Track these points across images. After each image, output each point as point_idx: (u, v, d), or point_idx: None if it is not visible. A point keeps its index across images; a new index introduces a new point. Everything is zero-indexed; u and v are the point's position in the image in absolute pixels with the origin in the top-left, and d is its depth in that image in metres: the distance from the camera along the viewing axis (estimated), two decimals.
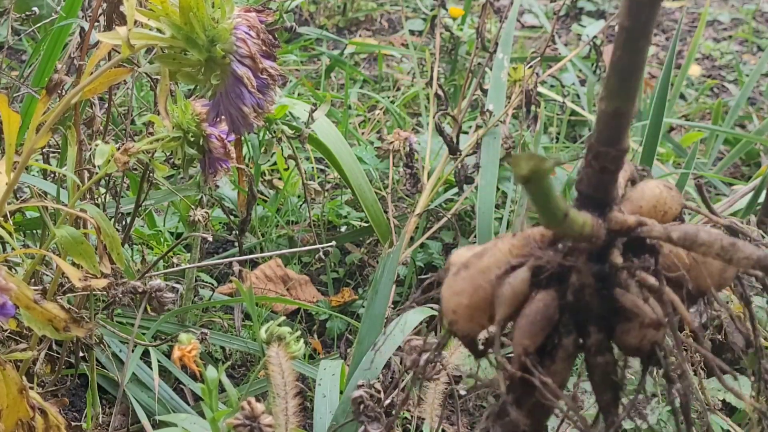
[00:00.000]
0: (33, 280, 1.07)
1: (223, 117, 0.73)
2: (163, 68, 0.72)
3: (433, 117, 1.58)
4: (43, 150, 1.23)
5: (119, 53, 0.71)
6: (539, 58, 1.60)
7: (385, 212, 1.55)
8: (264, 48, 0.71)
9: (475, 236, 1.48)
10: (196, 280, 1.39)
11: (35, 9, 1.35)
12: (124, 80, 1.29)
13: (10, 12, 1.29)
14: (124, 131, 1.28)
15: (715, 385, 1.17)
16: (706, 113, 2.39)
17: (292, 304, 1.50)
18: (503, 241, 0.50)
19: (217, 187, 1.59)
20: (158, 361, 1.15)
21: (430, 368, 0.58)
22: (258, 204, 1.64)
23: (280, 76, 0.72)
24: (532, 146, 1.69)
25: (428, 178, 1.57)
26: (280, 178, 1.83)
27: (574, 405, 0.46)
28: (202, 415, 0.92)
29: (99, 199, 1.22)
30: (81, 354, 1.20)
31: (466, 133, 1.74)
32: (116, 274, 0.95)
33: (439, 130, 1.53)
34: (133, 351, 1.15)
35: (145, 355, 1.21)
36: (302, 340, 0.85)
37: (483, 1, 1.64)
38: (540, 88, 1.77)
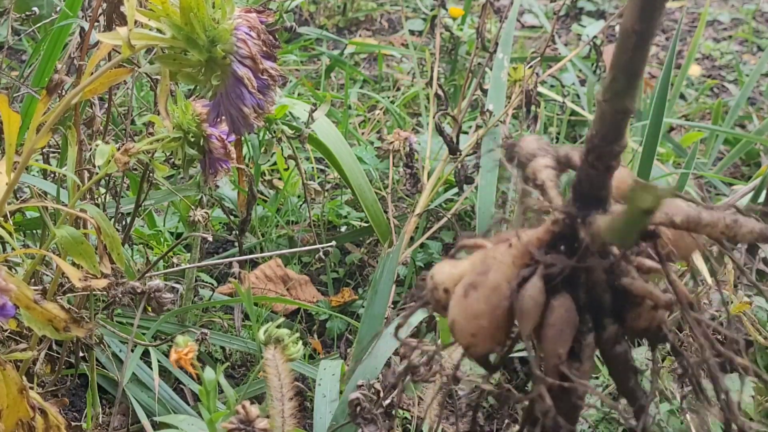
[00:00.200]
0: (33, 280, 1.07)
1: (223, 117, 0.73)
2: (164, 68, 0.72)
3: (433, 117, 1.58)
4: (43, 150, 1.23)
5: (119, 53, 0.71)
6: (539, 58, 1.60)
7: (385, 212, 1.55)
8: (264, 48, 0.71)
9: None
10: (196, 280, 1.39)
11: (35, 9, 1.35)
12: (125, 80, 1.29)
13: (10, 12, 1.29)
14: (124, 131, 1.28)
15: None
16: (706, 113, 2.39)
17: (292, 304, 1.50)
18: (500, 253, 0.49)
19: (217, 187, 1.59)
20: (158, 361, 1.15)
21: (426, 371, 0.58)
22: (258, 204, 1.64)
23: (280, 76, 0.72)
24: None
25: (428, 178, 1.57)
26: (280, 178, 1.83)
27: (612, 401, 0.48)
28: (202, 415, 0.92)
29: (99, 199, 1.22)
30: (81, 354, 1.20)
31: (466, 133, 1.74)
32: (116, 274, 0.95)
33: (439, 130, 1.53)
34: (132, 351, 1.15)
35: (146, 355, 1.21)
36: (301, 342, 0.85)
37: (483, 1, 1.64)
38: (540, 88, 1.77)
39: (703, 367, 0.50)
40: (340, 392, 1.09)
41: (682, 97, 2.47)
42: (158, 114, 0.80)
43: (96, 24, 1.04)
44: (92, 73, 0.75)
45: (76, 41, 1.13)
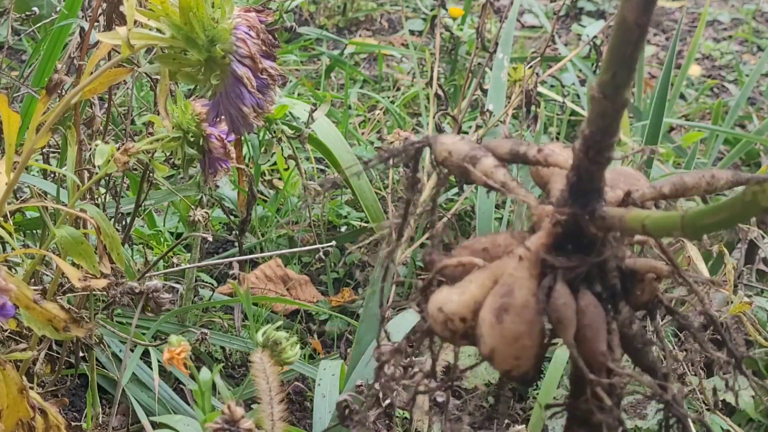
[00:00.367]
0: (33, 280, 1.07)
1: (222, 117, 0.73)
2: (163, 68, 0.72)
3: (433, 117, 1.58)
4: (43, 150, 1.23)
5: (119, 53, 0.71)
6: (539, 58, 1.60)
7: (385, 212, 1.55)
8: (264, 48, 0.71)
9: (475, 236, 1.48)
10: (196, 280, 1.39)
11: (35, 9, 1.35)
12: (124, 80, 1.29)
13: (10, 12, 1.29)
14: (124, 131, 1.28)
15: (715, 384, 1.17)
16: (706, 113, 2.39)
17: (292, 304, 1.50)
18: (513, 269, 0.48)
19: (217, 187, 1.59)
20: (158, 361, 1.15)
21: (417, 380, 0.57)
22: (258, 204, 1.64)
23: (280, 76, 0.72)
24: None
25: (428, 178, 1.57)
26: (280, 178, 1.83)
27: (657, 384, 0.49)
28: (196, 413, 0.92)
29: (99, 199, 1.22)
30: (81, 354, 1.20)
31: (466, 133, 1.74)
32: (116, 274, 0.95)
33: (439, 130, 1.53)
34: (132, 351, 1.15)
35: (145, 355, 1.21)
36: (298, 346, 0.85)
37: (483, 1, 1.64)
38: (540, 88, 1.77)
39: (694, 331, 0.52)
40: (340, 392, 1.09)
41: (682, 97, 2.47)
42: (158, 114, 0.80)
43: (96, 24, 1.04)
44: (92, 73, 0.75)
45: (76, 41, 1.13)
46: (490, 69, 1.62)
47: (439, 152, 0.53)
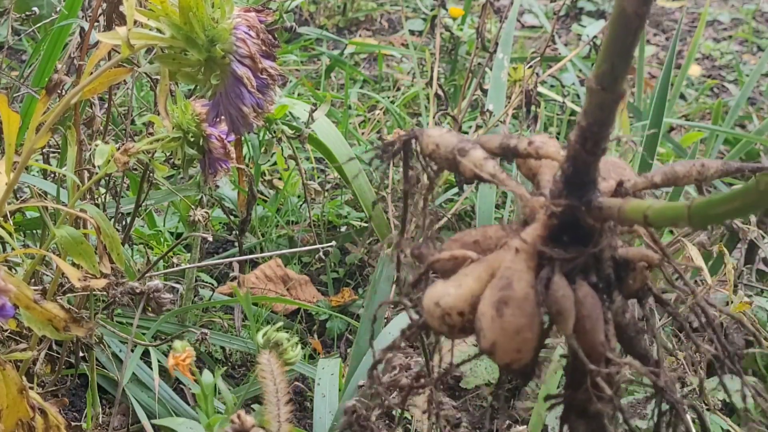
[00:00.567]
0: (33, 280, 1.07)
1: (222, 117, 0.73)
2: (163, 68, 0.72)
3: (433, 117, 1.58)
4: (43, 150, 1.23)
5: (119, 53, 0.71)
6: (539, 58, 1.60)
7: (385, 212, 1.55)
8: (264, 48, 0.71)
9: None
10: (196, 280, 1.39)
11: (35, 9, 1.35)
12: (124, 80, 1.29)
13: (10, 12, 1.29)
14: (124, 131, 1.28)
15: (715, 384, 1.17)
16: (706, 113, 2.39)
17: (292, 304, 1.50)
18: (511, 261, 0.48)
19: (217, 187, 1.59)
20: (158, 361, 1.15)
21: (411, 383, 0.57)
22: (258, 204, 1.64)
23: (279, 76, 0.72)
24: None
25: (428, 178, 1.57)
26: (280, 178, 1.83)
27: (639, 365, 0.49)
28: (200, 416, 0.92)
29: (99, 199, 1.22)
30: (81, 354, 1.20)
31: (467, 133, 1.74)
32: (116, 274, 0.95)
33: None
34: (132, 351, 1.15)
35: (146, 355, 1.21)
36: (299, 346, 0.85)
37: (483, 1, 1.64)
38: (540, 88, 1.77)
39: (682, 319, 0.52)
40: (340, 391, 1.09)
41: (682, 97, 2.47)
42: (158, 114, 0.80)
43: (96, 24, 1.04)
44: (92, 73, 0.75)
45: (76, 41, 1.13)
46: (490, 69, 1.62)
47: (426, 145, 0.53)
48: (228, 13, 0.70)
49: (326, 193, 1.75)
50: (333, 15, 2.97)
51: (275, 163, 1.88)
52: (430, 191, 0.55)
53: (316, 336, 1.49)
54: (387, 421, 0.90)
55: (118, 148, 0.87)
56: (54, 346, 1.17)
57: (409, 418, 1.20)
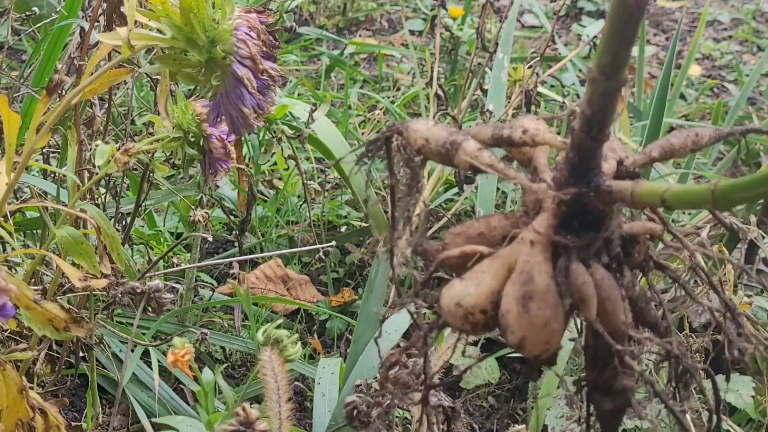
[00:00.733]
0: (33, 280, 1.07)
1: (223, 117, 0.73)
2: (164, 69, 0.72)
3: (433, 117, 1.58)
4: (43, 150, 1.23)
5: (119, 53, 0.71)
6: (539, 58, 1.60)
7: (386, 212, 1.55)
8: (264, 49, 0.71)
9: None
10: (196, 280, 1.39)
11: (35, 9, 1.35)
12: (125, 80, 1.29)
13: (10, 12, 1.29)
14: (124, 131, 1.28)
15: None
16: (706, 113, 2.39)
17: (292, 304, 1.50)
18: (528, 254, 0.48)
19: (217, 187, 1.59)
20: (158, 361, 1.15)
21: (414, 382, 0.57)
22: (258, 204, 1.64)
23: (280, 76, 0.72)
24: None
25: (428, 178, 1.57)
26: (280, 178, 1.83)
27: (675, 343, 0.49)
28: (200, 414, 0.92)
29: (99, 199, 1.22)
30: (81, 354, 1.20)
31: None
32: (116, 274, 0.95)
33: None
34: (132, 351, 1.15)
35: (146, 355, 1.21)
36: (299, 343, 0.85)
37: (483, 1, 1.64)
38: (540, 88, 1.77)
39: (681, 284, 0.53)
40: (340, 391, 1.09)
41: (682, 97, 2.48)
42: (158, 114, 0.80)
43: (96, 24, 1.04)
44: (92, 73, 0.75)
45: (76, 41, 1.13)
46: (490, 69, 1.62)
47: (415, 140, 0.52)
48: (229, 14, 0.70)
49: (326, 193, 1.75)
50: (333, 15, 2.97)
51: (275, 163, 1.88)
52: (416, 182, 0.55)
53: (316, 336, 1.49)
54: (386, 421, 0.90)
55: (118, 148, 0.87)
56: (54, 346, 1.17)
57: (409, 417, 1.20)
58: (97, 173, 0.92)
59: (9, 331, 1.02)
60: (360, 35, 2.90)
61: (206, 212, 1.32)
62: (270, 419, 0.72)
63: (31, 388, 0.87)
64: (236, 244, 1.55)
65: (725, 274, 1.15)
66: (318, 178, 1.85)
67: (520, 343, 0.47)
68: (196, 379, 0.78)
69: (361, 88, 2.46)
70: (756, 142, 1.97)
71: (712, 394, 0.53)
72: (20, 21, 1.38)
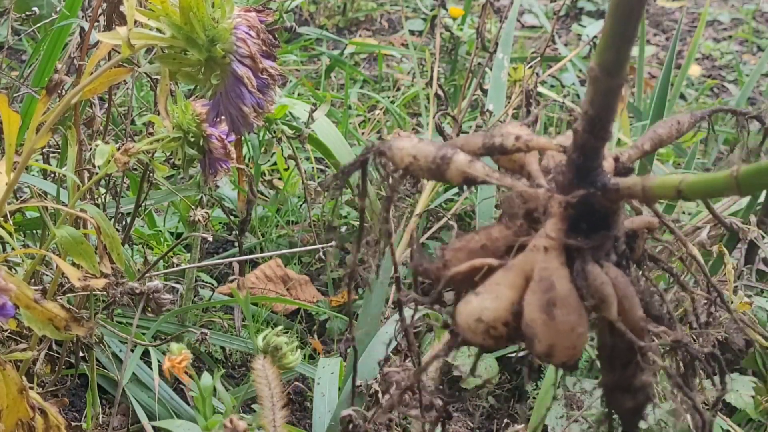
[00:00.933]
0: (33, 280, 1.07)
1: (223, 117, 0.73)
2: (163, 68, 0.72)
3: (433, 117, 1.58)
4: (43, 150, 1.23)
5: (119, 53, 0.71)
6: (539, 58, 1.60)
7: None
8: (264, 48, 0.71)
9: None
10: (196, 280, 1.39)
11: (35, 9, 1.35)
12: (124, 80, 1.29)
13: (10, 12, 1.29)
14: (124, 131, 1.28)
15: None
16: None
17: (292, 304, 1.50)
18: (544, 261, 0.47)
19: (217, 187, 1.59)
20: (158, 361, 1.15)
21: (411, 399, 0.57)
22: (258, 204, 1.64)
23: (280, 76, 0.72)
24: None
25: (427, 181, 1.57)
26: (280, 178, 1.83)
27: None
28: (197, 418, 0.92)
29: (99, 199, 1.22)
30: (81, 354, 1.20)
31: (467, 133, 1.74)
32: (116, 274, 0.95)
33: (439, 130, 1.53)
34: (132, 351, 1.15)
35: (146, 355, 1.21)
36: (299, 351, 0.85)
37: (483, 1, 1.64)
38: (540, 88, 1.77)
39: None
40: (340, 391, 1.09)
41: (682, 97, 2.47)
42: (158, 114, 0.80)
43: (96, 24, 1.04)
44: (92, 73, 0.75)
45: (76, 41, 1.13)
46: (490, 69, 1.62)
47: (401, 159, 0.51)
48: (228, 13, 0.70)
49: (326, 193, 1.75)
50: (333, 15, 2.97)
51: (275, 163, 1.88)
52: (392, 202, 0.54)
53: (316, 336, 1.49)
54: (387, 422, 0.90)
55: (118, 148, 0.87)
56: (54, 346, 1.17)
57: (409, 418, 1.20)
58: (97, 173, 0.92)
59: (9, 331, 1.02)
60: (360, 35, 2.90)
61: (206, 212, 1.32)
62: (265, 426, 0.72)
63: (31, 388, 0.87)
64: (236, 244, 1.55)
65: (725, 274, 1.15)
66: (318, 178, 1.85)
67: (548, 351, 0.46)
68: (193, 382, 0.78)
69: (361, 88, 2.46)
70: (756, 142, 1.96)
71: (718, 379, 0.53)
72: (20, 21, 1.38)
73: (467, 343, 0.49)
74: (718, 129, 2.02)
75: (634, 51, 2.21)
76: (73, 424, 1.05)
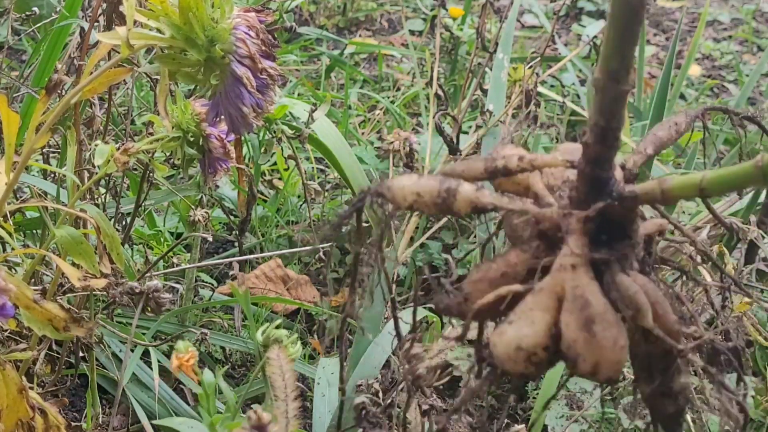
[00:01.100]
0: (33, 280, 1.07)
1: (222, 117, 0.73)
2: (163, 68, 0.72)
3: (433, 117, 1.58)
4: (43, 150, 1.23)
5: (119, 53, 0.71)
6: (539, 58, 1.60)
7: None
8: (263, 48, 0.71)
9: (475, 236, 1.48)
10: (196, 280, 1.39)
11: (35, 9, 1.35)
12: (124, 80, 1.29)
13: (10, 12, 1.29)
14: (124, 131, 1.28)
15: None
16: None
17: (292, 304, 1.50)
18: (574, 279, 0.47)
19: (217, 187, 1.59)
20: (158, 361, 1.15)
21: (431, 374, 0.57)
22: (258, 204, 1.64)
23: (279, 76, 0.72)
24: (531, 146, 1.69)
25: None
26: (280, 178, 1.83)
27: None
28: (201, 416, 0.91)
29: (99, 199, 1.22)
30: (81, 354, 1.20)
31: (466, 133, 1.74)
32: (116, 274, 0.95)
33: (439, 130, 1.53)
34: (132, 351, 1.15)
35: (146, 355, 1.21)
36: (299, 342, 0.85)
37: (483, 1, 1.64)
38: (540, 88, 1.77)
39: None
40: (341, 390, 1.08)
41: (682, 97, 2.47)
42: (158, 114, 0.80)
43: (96, 24, 1.04)
44: (92, 73, 0.75)
45: (76, 41, 1.13)
46: (490, 69, 1.62)
47: (403, 198, 0.50)
48: (228, 13, 0.70)
49: (326, 193, 1.75)
50: (333, 15, 2.97)
51: (275, 163, 1.88)
52: (384, 237, 0.54)
53: (316, 336, 1.49)
54: (387, 421, 0.90)
55: (118, 148, 0.87)
56: (54, 346, 1.17)
57: (409, 418, 1.20)
58: (96, 173, 0.92)
59: (9, 331, 1.02)
60: (360, 35, 2.90)
61: (206, 212, 1.32)
62: (277, 418, 0.72)
63: (31, 388, 0.87)
64: (236, 244, 1.55)
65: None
66: (318, 178, 1.85)
67: (594, 369, 0.46)
68: (199, 380, 0.78)
69: (361, 88, 2.46)
70: (755, 142, 1.96)
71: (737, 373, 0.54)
72: (20, 21, 1.38)
73: (508, 374, 0.48)
74: (718, 129, 2.02)
75: (635, 51, 2.21)
76: (73, 424, 1.05)
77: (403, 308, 1.16)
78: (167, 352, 1.25)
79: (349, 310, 0.54)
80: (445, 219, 1.51)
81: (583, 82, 2.30)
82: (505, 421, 1.32)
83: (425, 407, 0.80)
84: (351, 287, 0.53)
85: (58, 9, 1.26)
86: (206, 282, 1.51)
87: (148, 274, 1.19)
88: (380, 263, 0.53)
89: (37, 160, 1.23)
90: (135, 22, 0.70)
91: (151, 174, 1.20)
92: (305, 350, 1.41)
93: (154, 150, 0.93)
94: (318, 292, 1.58)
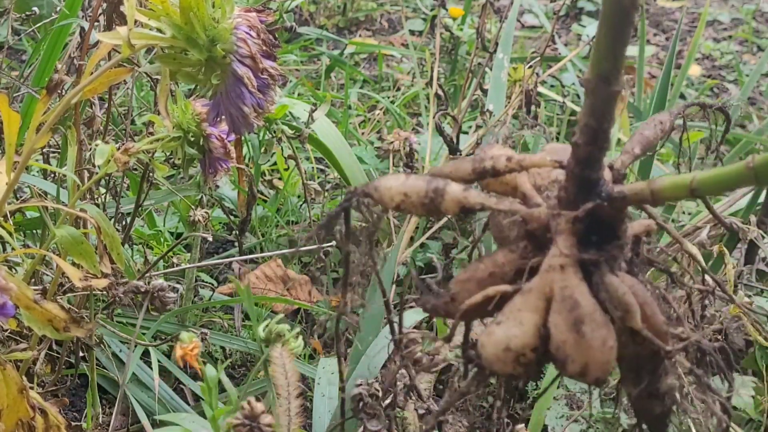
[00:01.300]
0: (33, 280, 1.07)
1: (223, 117, 0.73)
2: (164, 68, 0.72)
3: (433, 117, 1.58)
4: (43, 150, 1.23)
5: (119, 53, 0.71)
6: (539, 58, 1.60)
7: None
8: (264, 48, 0.71)
9: (474, 236, 1.48)
10: (196, 280, 1.39)
11: (35, 9, 1.35)
12: (124, 80, 1.29)
13: (10, 12, 1.29)
14: (124, 131, 1.28)
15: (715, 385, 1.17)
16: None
17: (292, 304, 1.50)
18: (563, 280, 0.47)
19: (217, 187, 1.59)
20: (158, 361, 1.15)
21: (427, 361, 0.57)
22: (258, 204, 1.64)
23: (280, 76, 0.72)
24: (531, 146, 1.69)
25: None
26: (280, 178, 1.83)
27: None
28: (202, 414, 0.91)
29: (99, 199, 1.22)
30: (81, 354, 1.20)
31: (466, 133, 1.74)
32: (116, 274, 0.95)
33: (439, 130, 1.53)
34: (133, 351, 1.15)
35: (145, 355, 1.21)
36: (301, 338, 0.85)
37: (483, 1, 1.64)
38: (540, 88, 1.77)
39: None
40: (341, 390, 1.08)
41: (682, 97, 2.47)
42: (158, 113, 0.80)
43: (96, 24, 1.04)
44: (92, 73, 0.75)
45: (76, 41, 1.13)
46: (490, 69, 1.62)
47: (390, 198, 0.50)
48: (229, 13, 0.70)
49: (326, 193, 1.75)
50: (333, 15, 2.97)
51: (275, 163, 1.88)
52: (374, 239, 0.54)
53: (316, 336, 1.49)
54: (387, 421, 0.90)
55: (118, 148, 0.87)
56: (54, 346, 1.17)
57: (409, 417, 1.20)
58: (97, 173, 0.92)
59: (9, 331, 1.02)
60: (360, 35, 2.90)
61: (206, 212, 1.32)
62: (279, 416, 0.72)
63: (31, 388, 0.87)
64: (236, 244, 1.55)
65: (725, 274, 1.15)
66: (318, 178, 1.85)
67: (583, 371, 0.46)
68: (196, 378, 0.78)
69: (361, 88, 2.46)
70: (756, 142, 1.96)
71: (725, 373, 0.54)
72: (20, 21, 1.38)
73: (496, 375, 0.48)
74: (718, 129, 2.01)
75: (635, 51, 2.21)
76: (73, 424, 1.05)
77: (403, 309, 1.15)
78: (167, 352, 1.25)
79: (343, 310, 0.53)
80: (445, 219, 1.51)
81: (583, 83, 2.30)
82: (505, 421, 1.32)
83: (422, 411, 0.80)
84: (343, 287, 0.53)
85: (58, 9, 1.26)
86: (206, 282, 1.51)
87: (148, 274, 1.19)
88: (372, 263, 0.52)
89: (37, 160, 1.23)
90: (135, 21, 0.70)
91: (151, 174, 1.20)
92: (305, 350, 1.41)
93: (154, 150, 0.93)
94: (318, 291, 1.58)
